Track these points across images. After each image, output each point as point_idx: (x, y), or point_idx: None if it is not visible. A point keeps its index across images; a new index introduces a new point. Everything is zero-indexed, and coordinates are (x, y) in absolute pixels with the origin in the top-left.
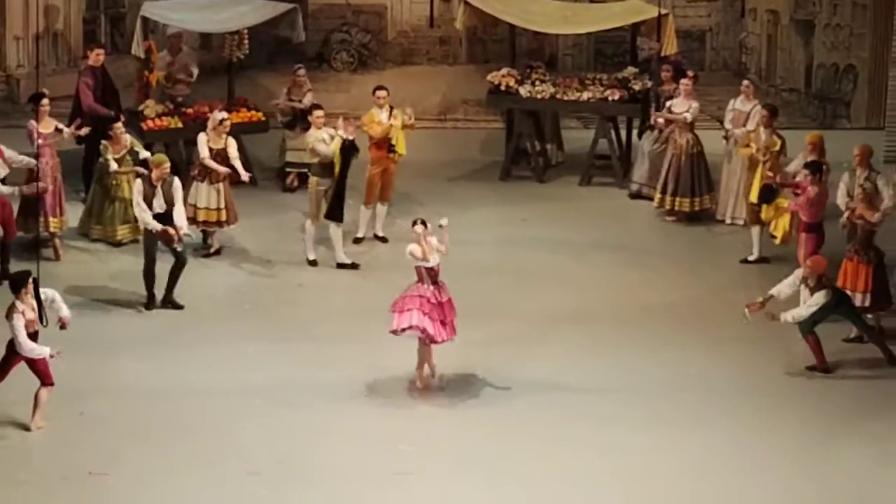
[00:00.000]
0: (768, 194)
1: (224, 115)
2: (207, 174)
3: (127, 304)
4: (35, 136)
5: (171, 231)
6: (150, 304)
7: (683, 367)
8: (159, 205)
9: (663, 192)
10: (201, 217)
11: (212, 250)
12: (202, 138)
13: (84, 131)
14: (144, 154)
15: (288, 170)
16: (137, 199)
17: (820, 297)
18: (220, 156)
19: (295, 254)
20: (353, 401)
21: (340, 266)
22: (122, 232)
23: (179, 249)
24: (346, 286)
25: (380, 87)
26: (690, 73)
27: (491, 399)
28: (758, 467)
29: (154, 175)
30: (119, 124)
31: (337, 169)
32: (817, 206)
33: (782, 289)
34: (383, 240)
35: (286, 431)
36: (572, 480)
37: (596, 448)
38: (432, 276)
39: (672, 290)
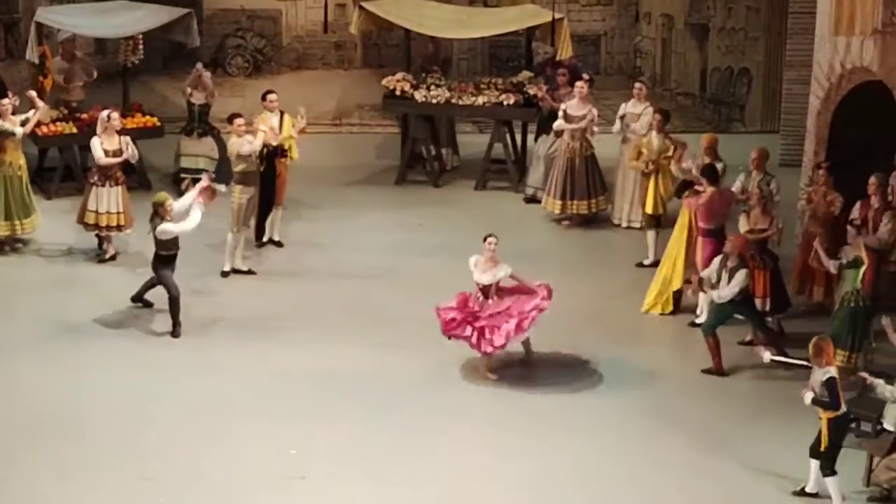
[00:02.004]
0: (682, 189)
1: (110, 111)
2: (106, 178)
3: (20, 309)
4: None
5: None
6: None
7: (579, 371)
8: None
9: (562, 197)
10: (103, 222)
11: (107, 256)
12: (95, 141)
13: None
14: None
15: (183, 175)
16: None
17: (742, 277)
18: (117, 155)
19: (191, 259)
20: (248, 407)
21: (236, 272)
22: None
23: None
24: (242, 291)
25: (270, 92)
26: (585, 77)
27: (382, 404)
28: (653, 468)
29: (166, 215)
30: (5, 100)
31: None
32: (711, 211)
33: (710, 273)
34: (278, 244)
35: (181, 437)
36: (467, 484)
37: (490, 451)
38: (484, 291)
39: (568, 294)
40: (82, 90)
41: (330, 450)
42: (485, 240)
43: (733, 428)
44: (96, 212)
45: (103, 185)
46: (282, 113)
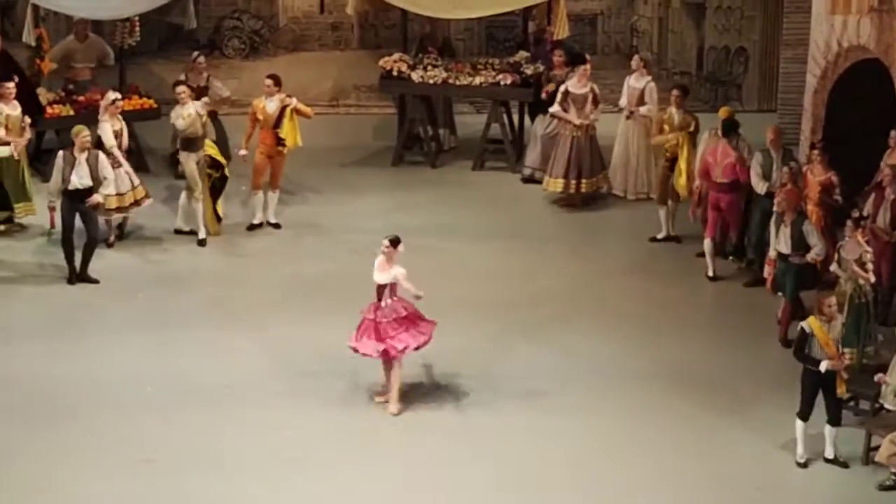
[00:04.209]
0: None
1: (117, 94)
2: (113, 159)
3: (18, 291)
4: None
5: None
6: (71, 277)
7: (572, 352)
8: (79, 178)
9: (565, 175)
10: (114, 204)
11: (112, 238)
12: (107, 127)
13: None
14: None
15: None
16: (56, 170)
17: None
18: (119, 137)
19: (188, 240)
20: (243, 388)
21: (178, 232)
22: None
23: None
24: (240, 274)
25: (269, 76)
26: (588, 59)
27: (376, 386)
28: (646, 452)
29: (77, 144)
30: (10, 84)
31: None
32: (714, 158)
33: (774, 242)
34: (276, 226)
35: (178, 419)
36: (453, 467)
37: (484, 433)
38: (378, 291)
39: (564, 274)
40: (91, 71)
41: (325, 431)
42: (387, 240)
43: (729, 409)
44: (117, 195)
45: (119, 166)
46: (284, 97)
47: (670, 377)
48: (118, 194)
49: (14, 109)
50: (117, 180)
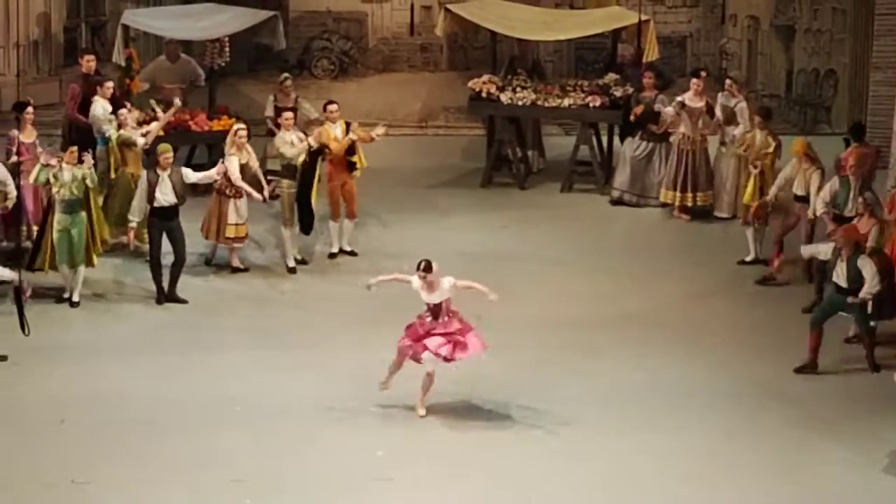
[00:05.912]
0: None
1: (240, 125)
2: (236, 189)
3: (107, 311)
4: (15, 145)
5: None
6: (159, 297)
7: (663, 372)
8: (163, 194)
9: (674, 188)
10: (242, 233)
11: (239, 265)
12: (235, 161)
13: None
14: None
15: (270, 178)
16: (140, 191)
17: (870, 263)
18: (246, 167)
19: (277, 262)
20: (334, 408)
21: (291, 270)
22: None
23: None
24: (326, 295)
25: (330, 102)
26: (703, 74)
27: (470, 407)
28: (736, 473)
29: (160, 163)
30: (123, 110)
31: (298, 179)
32: (866, 166)
33: (820, 248)
34: (352, 254)
35: (268, 439)
36: (549, 486)
37: (572, 454)
38: (433, 311)
39: (651, 295)
40: (181, 91)
41: (416, 451)
42: (417, 267)
43: (819, 429)
44: (236, 224)
45: (240, 197)
46: (347, 124)
47: (756, 398)
48: (237, 224)
49: (136, 136)
50: (239, 210)
